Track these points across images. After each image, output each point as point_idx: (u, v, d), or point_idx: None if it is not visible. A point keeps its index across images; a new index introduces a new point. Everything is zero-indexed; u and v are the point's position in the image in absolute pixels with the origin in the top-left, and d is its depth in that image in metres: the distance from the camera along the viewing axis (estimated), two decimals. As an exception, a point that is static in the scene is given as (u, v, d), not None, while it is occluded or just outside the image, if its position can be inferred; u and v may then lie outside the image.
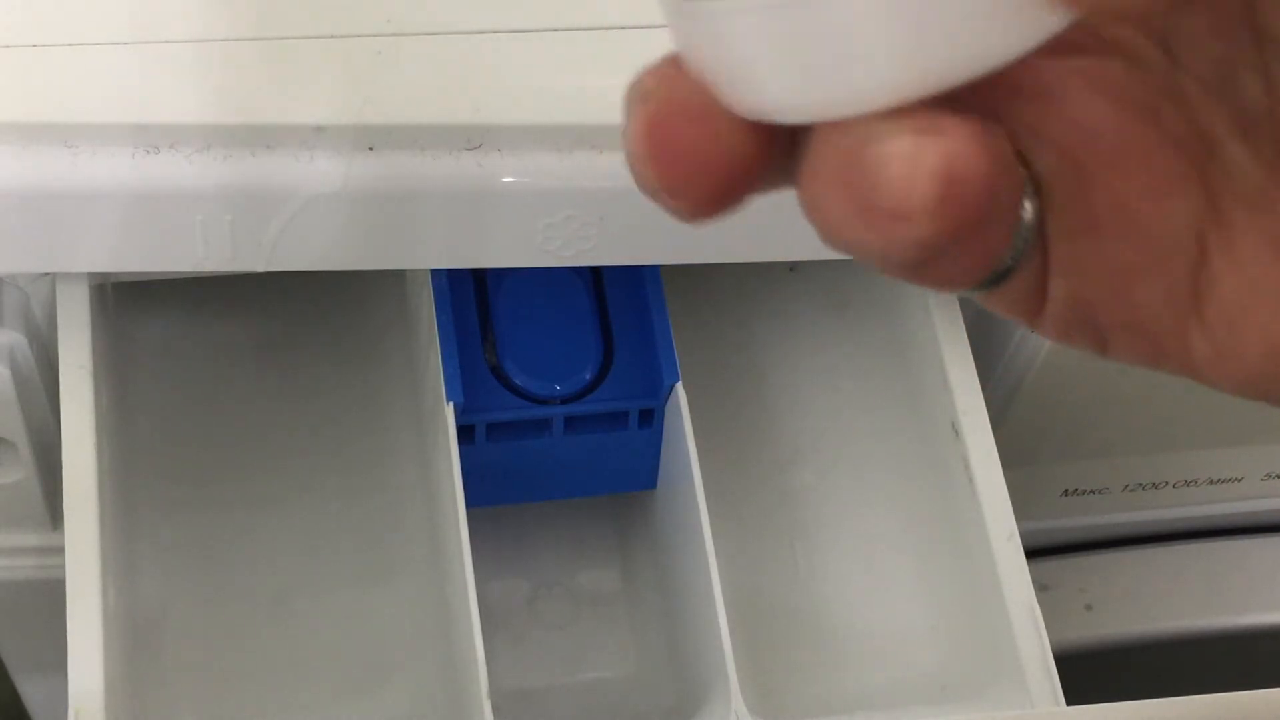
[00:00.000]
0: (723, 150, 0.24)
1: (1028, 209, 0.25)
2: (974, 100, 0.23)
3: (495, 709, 0.49)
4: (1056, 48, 0.24)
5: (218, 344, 0.64)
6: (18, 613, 0.67)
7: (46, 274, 0.54)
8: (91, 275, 0.53)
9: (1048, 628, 0.52)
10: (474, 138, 0.48)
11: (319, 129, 0.48)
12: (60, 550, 0.50)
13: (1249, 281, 0.24)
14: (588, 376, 0.57)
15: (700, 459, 0.54)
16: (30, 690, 0.74)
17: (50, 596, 0.54)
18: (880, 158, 0.22)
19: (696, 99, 0.23)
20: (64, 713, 0.47)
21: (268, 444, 0.63)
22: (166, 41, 0.48)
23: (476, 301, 0.57)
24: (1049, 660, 0.51)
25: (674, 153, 0.24)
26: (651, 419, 0.57)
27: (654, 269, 0.57)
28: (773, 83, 0.22)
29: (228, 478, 0.62)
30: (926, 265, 0.24)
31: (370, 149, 0.48)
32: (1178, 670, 0.75)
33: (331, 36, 0.49)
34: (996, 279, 0.25)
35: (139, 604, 0.57)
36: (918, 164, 0.22)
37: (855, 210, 0.22)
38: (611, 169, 0.49)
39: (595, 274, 0.58)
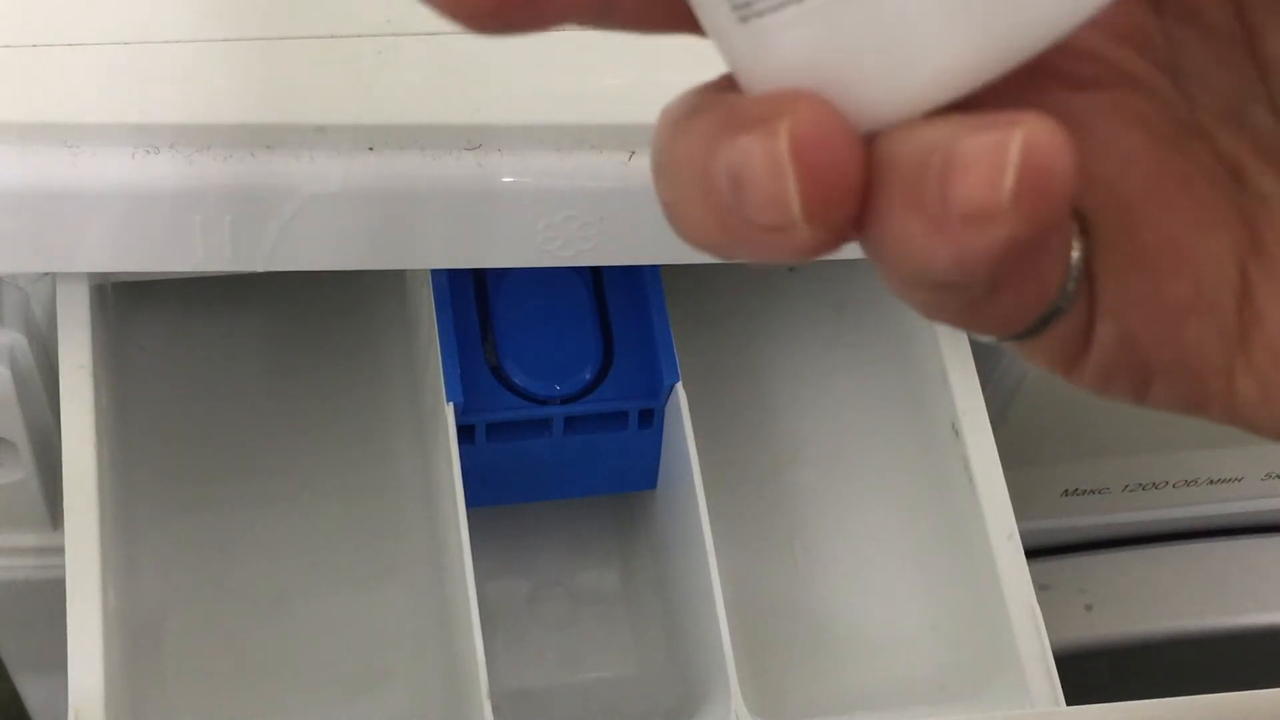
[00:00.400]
0: (862, 171, 0.22)
1: (1076, 248, 0.23)
2: None
3: (495, 709, 0.49)
4: (1077, 82, 0.23)
5: (218, 344, 0.64)
6: (18, 613, 0.67)
7: (46, 274, 0.54)
8: (91, 275, 0.53)
9: (1048, 628, 0.52)
10: (474, 138, 0.48)
11: (319, 129, 0.48)
12: (60, 550, 0.50)
13: None
14: (588, 376, 0.56)
15: (700, 459, 0.54)
16: (30, 690, 0.74)
17: (50, 596, 0.54)
18: (961, 157, 0.21)
19: (838, 118, 0.22)
20: (64, 713, 0.47)
21: (268, 444, 0.63)
22: (166, 41, 0.48)
23: (476, 301, 0.57)
24: (1049, 660, 0.51)
25: (830, 175, 0.22)
26: (651, 419, 0.57)
27: (654, 269, 0.57)
28: (873, 78, 0.21)
29: (228, 478, 0.62)
30: (987, 297, 0.23)
31: (370, 149, 0.48)
32: (1178, 670, 0.75)
33: (331, 36, 0.49)
34: (1044, 322, 0.24)
35: (139, 604, 0.57)
36: (1001, 155, 0.21)
37: (930, 226, 0.21)
38: (611, 169, 0.49)
39: (595, 274, 0.58)
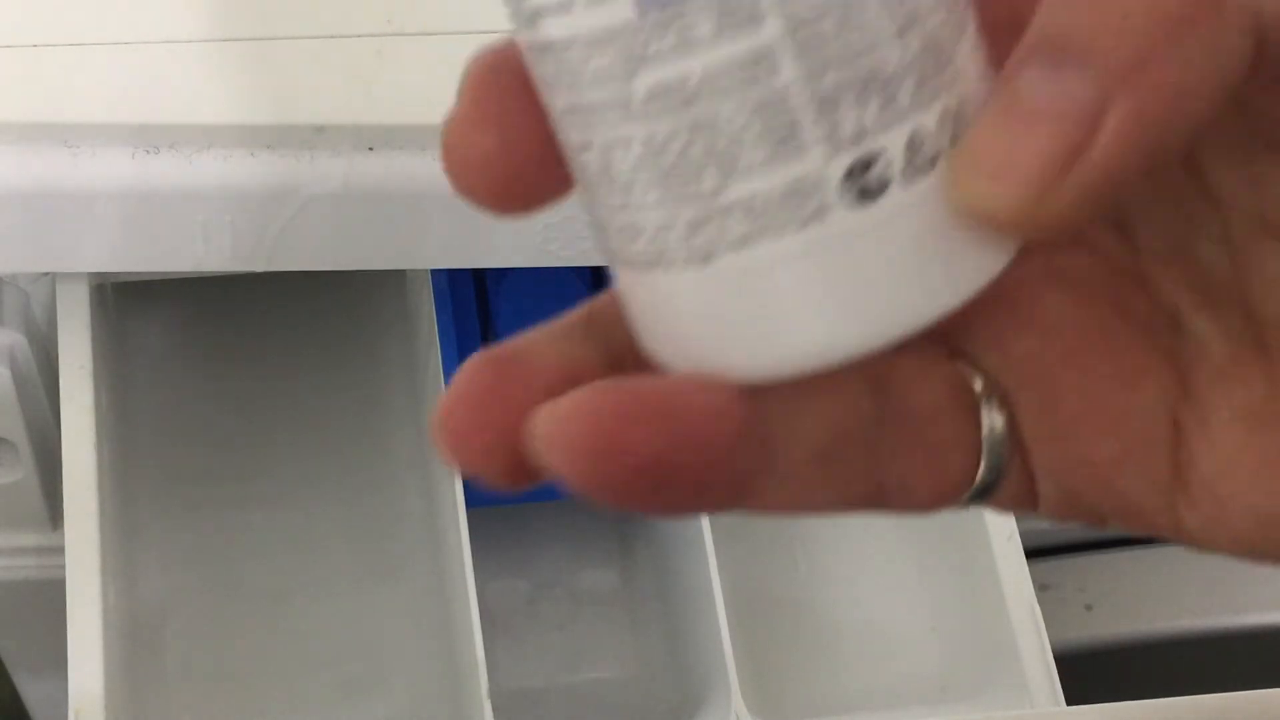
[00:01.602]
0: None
1: (997, 421, 0.24)
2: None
3: (495, 709, 0.49)
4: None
5: (218, 344, 0.64)
6: (18, 613, 0.67)
7: (46, 274, 0.54)
8: (91, 275, 0.53)
9: (1048, 628, 0.52)
10: (474, 138, 0.48)
11: (319, 129, 0.48)
12: (60, 550, 0.50)
13: (1226, 458, 0.23)
14: (588, 376, 0.56)
15: (700, 459, 0.54)
16: (30, 690, 0.74)
17: (50, 596, 0.54)
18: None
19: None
20: (64, 713, 0.47)
21: (268, 444, 0.63)
22: (166, 41, 0.48)
23: (476, 301, 0.57)
24: (1049, 660, 0.51)
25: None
26: (651, 419, 0.57)
27: (654, 269, 0.57)
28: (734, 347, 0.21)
29: (228, 477, 0.62)
30: (876, 497, 0.23)
31: (370, 149, 0.48)
32: (1178, 670, 0.75)
33: (331, 36, 0.49)
34: (982, 493, 0.24)
35: (139, 604, 0.57)
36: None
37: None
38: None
39: (595, 274, 0.58)
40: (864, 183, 0.20)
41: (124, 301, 0.60)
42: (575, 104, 0.20)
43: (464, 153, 0.22)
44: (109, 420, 0.54)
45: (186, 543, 0.60)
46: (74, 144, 0.48)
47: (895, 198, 0.20)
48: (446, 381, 0.54)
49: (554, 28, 0.20)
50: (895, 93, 0.20)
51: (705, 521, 0.53)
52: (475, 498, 0.54)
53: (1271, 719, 0.46)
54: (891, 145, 0.20)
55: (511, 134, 0.22)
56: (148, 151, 0.48)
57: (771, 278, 0.20)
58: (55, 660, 0.50)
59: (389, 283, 0.64)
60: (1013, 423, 0.24)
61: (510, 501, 0.60)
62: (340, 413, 0.63)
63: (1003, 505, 0.25)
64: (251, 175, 0.48)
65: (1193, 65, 0.20)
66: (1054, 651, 0.51)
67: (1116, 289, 0.24)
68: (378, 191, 0.48)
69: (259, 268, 0.51)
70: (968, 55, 0.21)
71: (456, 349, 0.55)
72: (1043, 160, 0.20)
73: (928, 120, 0.20)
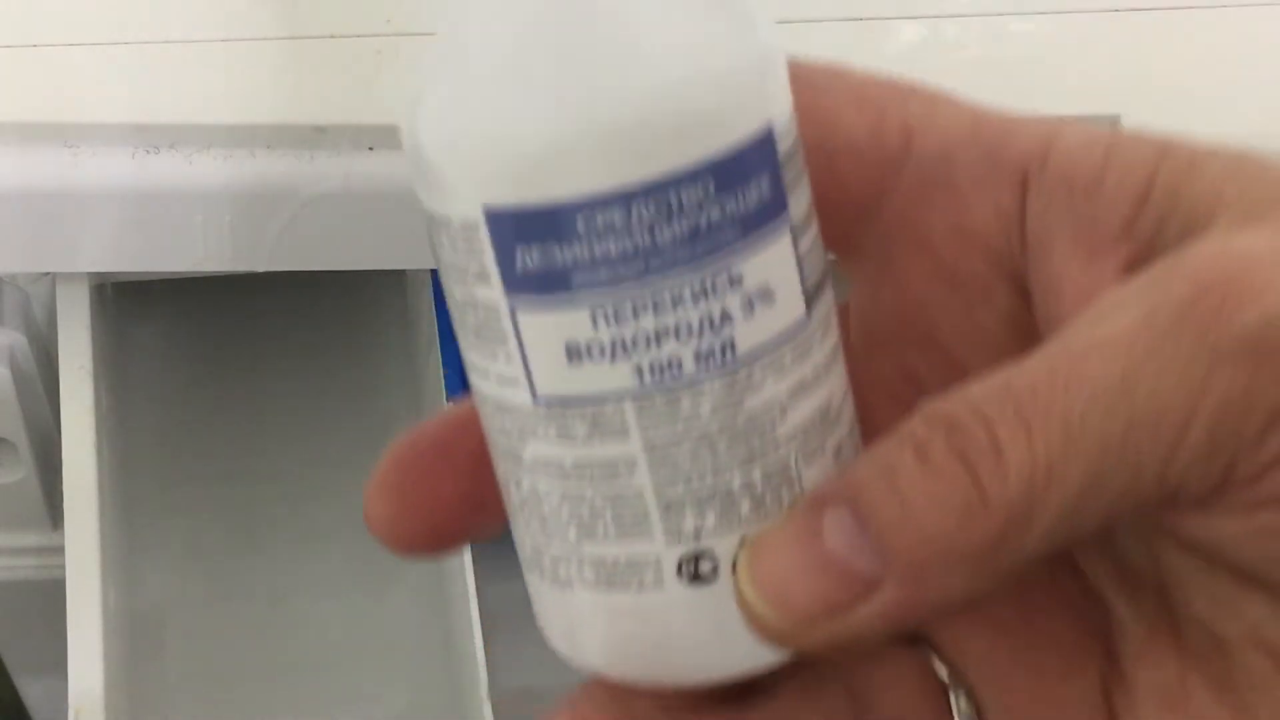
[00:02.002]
0: None
1: (964, 706, 0.26)
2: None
3: (495, 709, 0.49)
4: None
5: (218, 344, 0.64)
6: (18, 613, 0.67)
7: (46, 274, 0.54)
8: (91, 275, 0.53)
9: (1048, 628, 0.52)
10: (474, 138, 0.48)
11: (319, 129, 0.48)
12: (60, 550, 0.50)
13: None
14: (588, 376, 0.56)
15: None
16: (30, 690, 0.74)
17: (50, 596, 0.54)
18: None
19: None
20: (64, 713, 0.47)
21: (268, 444, 0.63)
22: (166, 41, 0.48)
23: (476, 301, 0.57)
24: (1049, 660, 0.51)
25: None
26: (651, 419, 0.57)
27: (654, 269, 0.57)
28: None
29: (227, 477, 0.62)
30: None
31: (370, 149, 0.48)
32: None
33: (331, 36, 0.49)
34: None
35: (139, 604, 0.57)
36: None
37: None
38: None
39: (595, 274, 0.58)
40: (696, 569, 0.23)
41: (124, 301, 0.60)
42: (492, 442, 0.24)
43: (370, 513, 0.29)
44: (109, 420, 0.54)
45: (186, 543, 0.60)
46: (74, 144, 0.48)
47: (722, 583, 0.23)
48: (447, 381, 0.54)
49: (479, 383, 0.24)
50: (733, 507, 0.23)
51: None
52: (475, 498, 0.54)
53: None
54: (722, 546, 0.23)
55: (408, 502, 0.28)
56: (148, 151, 0.48)
57: (608, 617, 0.24)
58: (55, 660, 0.50)
59: (389, 283, 0.64)
60: (979, 710, 0.26)
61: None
62: (340, 413, 0.63)
63: None
64: (251, 175, 0.48)
65: (972, 584, 0.22)
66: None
67: (1051, 573, 0.26)
68: (378, 191, 0.48)
69: (259, 268, 0.51)
70: (816, 475, 0.24)
71: (456, 349, 0.55)
72: (810, 604, 0.23)
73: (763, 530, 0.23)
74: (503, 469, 0.24)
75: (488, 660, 0.50)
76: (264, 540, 0.61)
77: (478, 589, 0.51)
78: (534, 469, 0.24)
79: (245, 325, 0.65)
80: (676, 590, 0.23)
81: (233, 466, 0.62)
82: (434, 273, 0.56)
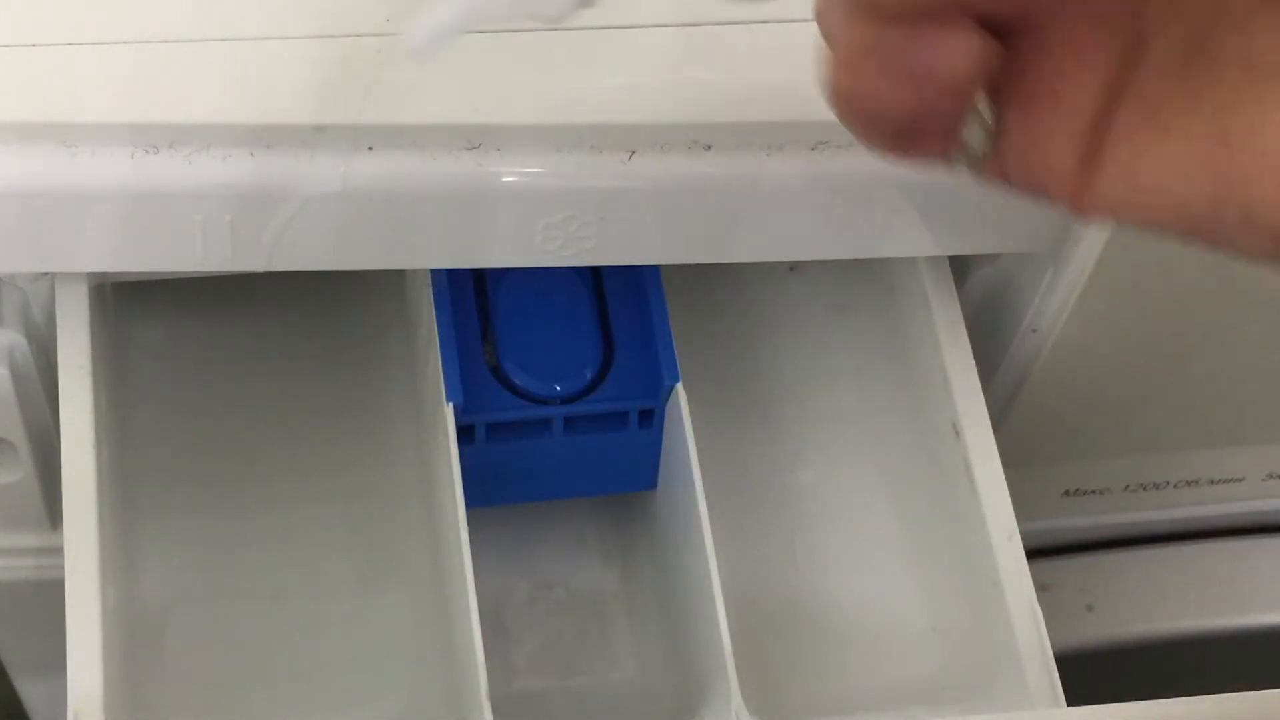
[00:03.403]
0: None
1: (985, 112, 0.31)
2: None
3: (495, 709, 0.49)
4: None
5: (217, 344, 0.64)
6: (17, 613, 0.67)
7: (46, 274, 0.54)
8: (91, 275, 0.53)
9: (1048, 628, 0.52)
10: (474, 138, 0.48)
11: (319, 129, 0.48)
12: (60, 550, 0.50)
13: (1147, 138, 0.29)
14: (588, 376, 0.56)
15: (700, 459, 0.54)
16: (30, 690, 0.74)
17: (50, 596, 0.54)
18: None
19: None
20: (64, 713, 0.47)
21: (267, 444, 0.63)
22: (166, 41, 0.48)
23: (476, 301, 0.57)
24: (1049, 660, 0.51)
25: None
26: (651, 419, 0.57)
27: (654, 269, 0.57)
28: None
29: (228, 478, 0.62)
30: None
31: (370, 149, 0.48)
32: (1179, 670, 0.75)
33: (331, 36, 0.49)
34: (973, 162, 0.32)
35: (139, 604, 0.57)
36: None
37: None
38: (611, 169, 0.49)
39: (595, 274, 0.58)
40: None
41: (124, 301, 0.60)
42: None
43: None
44: (109, 420, 0.54)
45: (186, 543, 0.60)
46: (73, 144, 0.48)
47: None
48: (446, 381, 0.54)
49: None
50: None
51: (705, 521, 0.53)
52: (475, 497, 0.54)
53: (1272, 719, 0.46)
54: None
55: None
56: (147, 151, 0.48)
57: None
58: (55, 660, 0.50)
59: (389, 283, 0.64)
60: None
61: (510, 501, 0.60)
62: (340, 413, 0.63)
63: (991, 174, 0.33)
64: (251, 175, 0.48)
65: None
66: (1054, 652, 0.51)
67: None
68: (378, 191, 0.48)
69: (259, 268, 0.51)
70: None
71: (456, 349, 0.55)
72: None
73: None
74: None
75: (488, 660, 0.50)
76: (264, 540, 0.61)
77: (478, 589, 0.51)
78: None
79: (245, 325, 0.65)
80: None
81: (232, 466, 0.62)
82: (434, 273, 0.56)
